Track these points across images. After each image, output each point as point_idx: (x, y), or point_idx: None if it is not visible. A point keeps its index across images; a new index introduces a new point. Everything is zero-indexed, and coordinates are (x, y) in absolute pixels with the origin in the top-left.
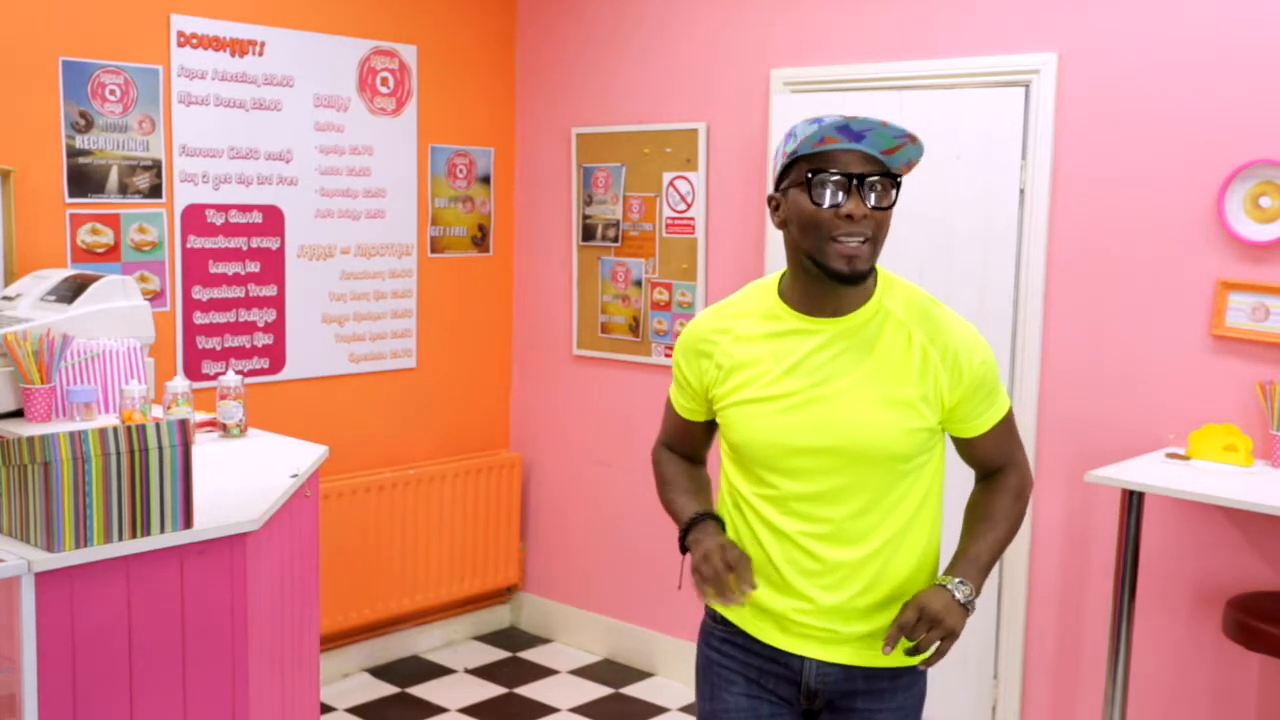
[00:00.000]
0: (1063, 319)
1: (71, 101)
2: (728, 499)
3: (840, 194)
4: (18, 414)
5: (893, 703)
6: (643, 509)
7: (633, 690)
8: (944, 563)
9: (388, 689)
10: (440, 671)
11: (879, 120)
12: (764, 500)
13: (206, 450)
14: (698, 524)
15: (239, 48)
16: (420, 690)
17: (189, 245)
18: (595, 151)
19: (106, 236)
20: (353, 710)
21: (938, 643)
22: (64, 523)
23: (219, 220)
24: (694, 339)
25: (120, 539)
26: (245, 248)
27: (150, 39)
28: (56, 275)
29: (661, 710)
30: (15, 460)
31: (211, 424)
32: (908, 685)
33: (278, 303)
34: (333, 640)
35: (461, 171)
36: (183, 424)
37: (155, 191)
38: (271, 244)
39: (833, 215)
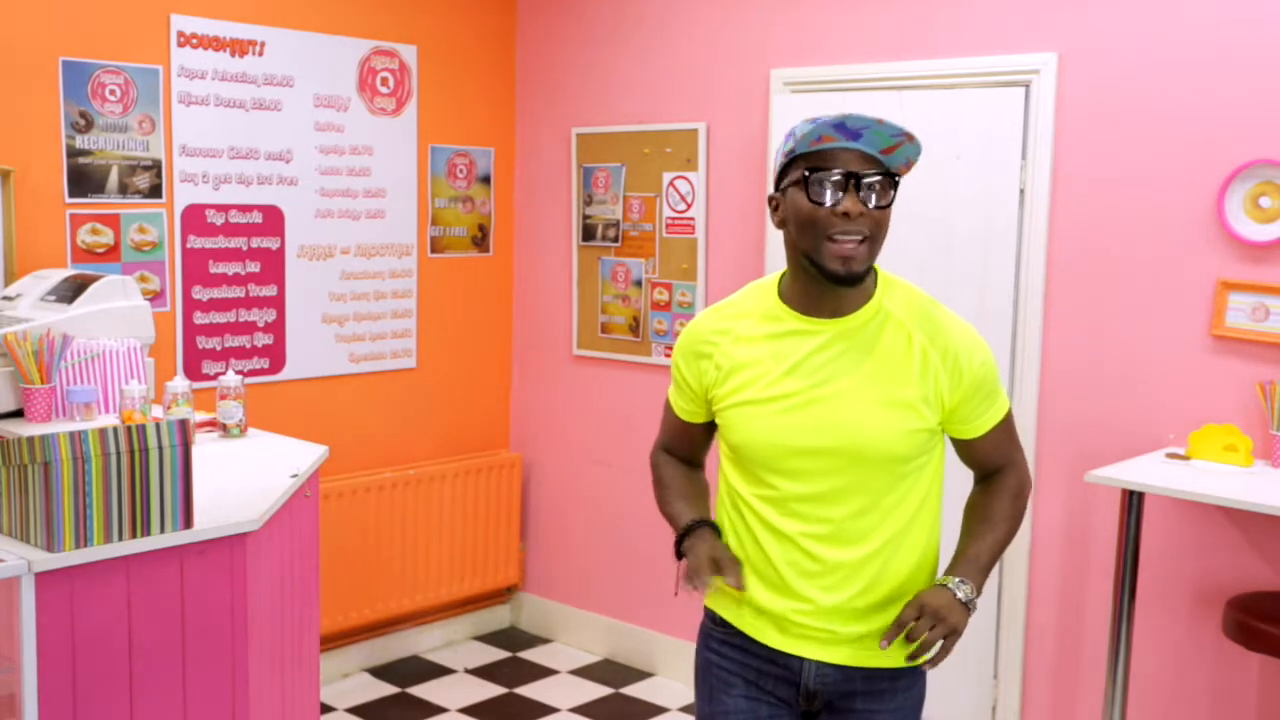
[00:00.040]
0: (1063, 319)
1: (71, 101)
2: (727, 500)
3: (838, 192)
4: (18, 414)
5: (892, 703)
6: (643, 509)
7: (633, 690)
8: (943, 563)
9: (388, 689)
10: (440, 671)
11: (875, 118)
12: (764, 501)
13: (206, 450)
14: (694, 531)
15: (239, 48)
16: (420, 690)
17: (189, 245)
18: (595, 151)
19: (106, 236)
20: (353, 710)
21: (940, 642)
22: (64, 523)
23: (219, 220)
24: (693, 340)
25: (120, 539)
26: (245, 248)
27: (150, 39)
28: (56, 275)
29: (661, 710)
30: (15, 460)
31: (211, 424)
32: (907, 686)
33: (278, 303)
34: (333, 640)
35: (461, 171)
36: (183, 424)
37: (155, 191)
38: (271, 244)
39: (829, 213)
